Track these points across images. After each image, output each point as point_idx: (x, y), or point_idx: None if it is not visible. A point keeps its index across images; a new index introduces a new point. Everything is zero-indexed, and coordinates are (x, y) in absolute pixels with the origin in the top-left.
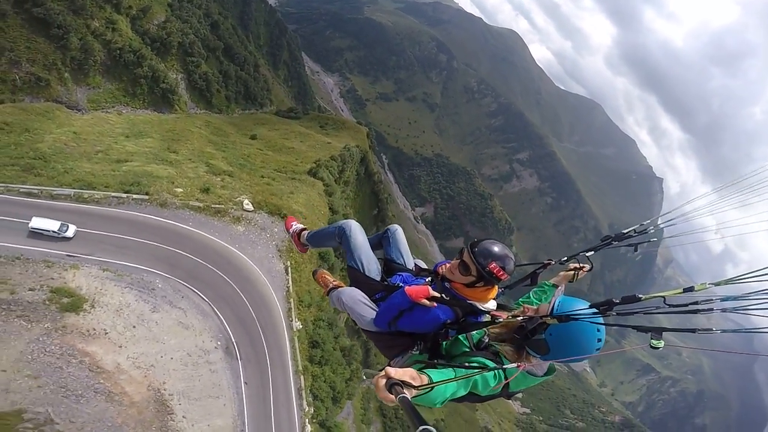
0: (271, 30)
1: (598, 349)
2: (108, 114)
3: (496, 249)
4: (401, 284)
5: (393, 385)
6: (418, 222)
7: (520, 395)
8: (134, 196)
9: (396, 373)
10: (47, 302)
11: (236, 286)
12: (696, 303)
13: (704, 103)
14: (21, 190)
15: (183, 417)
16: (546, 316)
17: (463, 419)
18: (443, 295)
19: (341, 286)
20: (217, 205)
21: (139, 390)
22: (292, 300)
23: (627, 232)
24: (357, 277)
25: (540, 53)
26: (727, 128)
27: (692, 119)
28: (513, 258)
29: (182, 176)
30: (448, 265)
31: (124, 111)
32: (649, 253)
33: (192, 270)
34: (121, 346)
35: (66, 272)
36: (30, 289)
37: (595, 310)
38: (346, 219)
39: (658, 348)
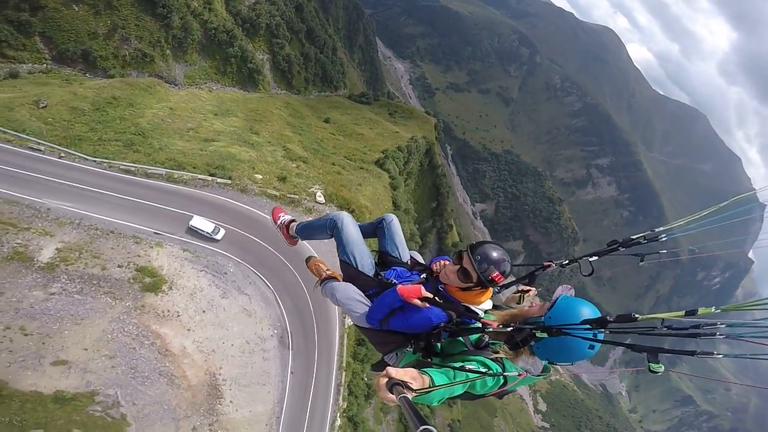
0: (349, 14)
1: (591, 349)
2: (200, 90)
3: (495, 255)
4: (395, 280)
5: (394, 385)
6: (476, 218)
7: (511, 395)
8: (218, 179)
9: (397, 373)
10: (132, 281)
11: (299, 277)
12: (697, 327)
13: None
14: (121, 166)
15: (230, 402)
16: (536, 328)
17: (480, 424)
18: (436, 296)
19: (335, 277)
20: (292, 195)
21: (198, 374)
22: None
23: (636, 238)
24: (350, 272)
25: (639, 54)
26: None
27: None
28: (509, 261)
29: (262, 160)
30: (444, 262)
31: (214, 88)
32: (731, 284)
33: (262, 257)
34: (189, 330)
35: (152, 250)
36: (118, 266)
37: (587, 326)
38: (339, 211)
39: (658, 372)
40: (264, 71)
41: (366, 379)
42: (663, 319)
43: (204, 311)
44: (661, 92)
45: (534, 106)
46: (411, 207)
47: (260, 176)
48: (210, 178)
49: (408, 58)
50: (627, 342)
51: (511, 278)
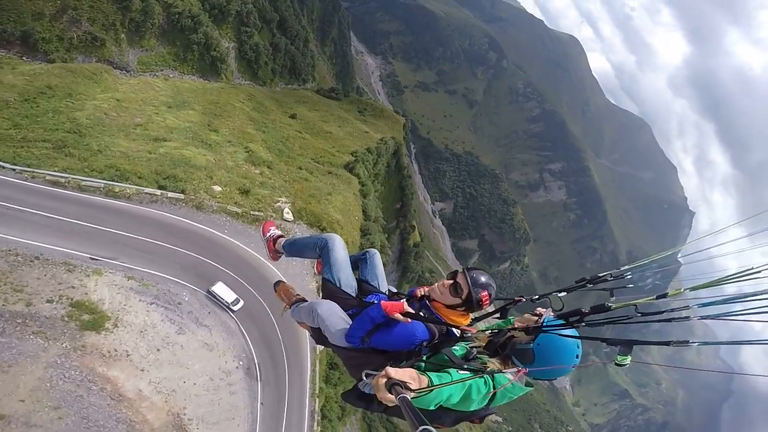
0: (325, 5)
1: (577, 358)
2: (155, 78)
3: (483, 279)
4: (377, 302)
5: (393, 385)
6: (435, 216)
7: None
8: (169, 194)
9: (396, 373)
10: (66, 318)
11: (265, 304)
12: (671, 310)
13: (765, 140)
14: (47, 177)
15: None
16: (514, 328)
17: None
18: (420, 312)
19: (305, 300)
20: (257, 212)
21: (159, 416)
22: None
23: (602, 276)
24: (333, 291)
25: (598, 64)
26: None
27: (746, 155)
28: (494, 287)
29: (221, 166)
30: (434, 285)
31: (171, 76)
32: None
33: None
34: (143, 370)
35: (88, 279)
36: (48, 301)
37: (562, 321)
38: (331, 232)
39: (624, 365)
40: (228, 60)
41: (364, 378)
42: (636, 305)
43: (158, 349)
44: (613, 101)
45: (496, 110)
46: (380, 215)
47: (219, 188)
48: (159, 192)
49: (380, 54)
50: (602, 336)
51: (490, 308)
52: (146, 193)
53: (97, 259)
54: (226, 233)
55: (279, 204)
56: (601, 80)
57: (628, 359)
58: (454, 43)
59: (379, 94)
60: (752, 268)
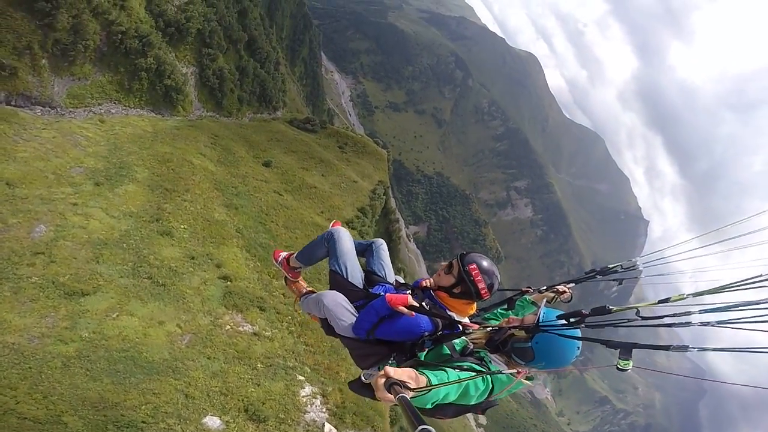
0: (296, 23)
1: (578, 349)
2: (85, 122)
3: (474, 254)
4: (382, 293)
5: (392, 384)
6: (410, 240)
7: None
8: None
9: (395, 372)
10: None
11: None
12: (672, 315)
13: (708, 150)
14: None
15: None
16: (515, 327)
17: None
18: (423, 304)
19: (314, 292)
20: None
21: None
22: None
23: (613, 267)
24: (339, 282)
25: (554, 80)
26: (723, 177)
27: (692, 165)
28: (498, 277)
29: (194, 341)
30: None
31: (113, 111)
32: (626, 291)
33: None
34: None
35: None
36: None
37: (564, 321)
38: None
39: (626, 370)
40: (187, 88)
41: (363, 378)
42: (638, 308)
43: None
44: (568, 116)
45: (463, 129)
46: None
47: (218, 422)
48: None
49: (351, 73)
50: (602, 339)
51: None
52: None
53: None
54: None
55: (309, 413)
56: (557, 96)
57: (630, 364)
58: (422, 62)
59: (350, 115)
60: (760, 276)
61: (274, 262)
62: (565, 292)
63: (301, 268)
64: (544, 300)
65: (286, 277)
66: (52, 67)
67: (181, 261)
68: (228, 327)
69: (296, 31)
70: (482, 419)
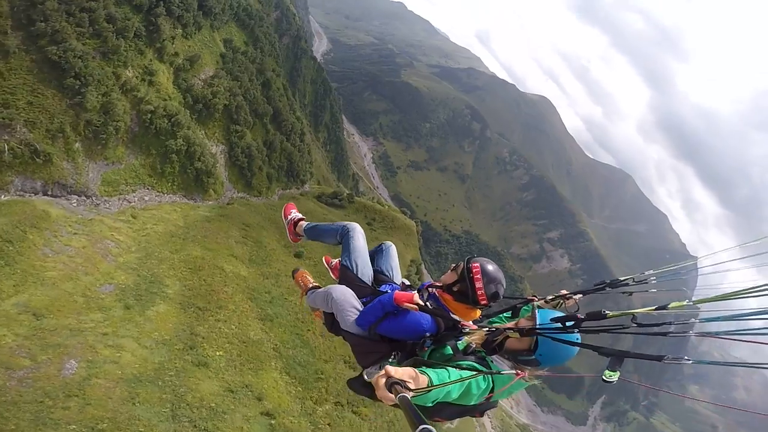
0: (316, 88)
1: (574, 349)
2: (116, 223)
3: (478, 256)
4: (390, 291)
5: (393, 384)
6: None
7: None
8: None
9: (396, 372)
10: None
11: None
12: (670, 323)
13: (744, 175)
14: None
15: None
16: (510, 328)
17: None
18: (428, 304)
19: (320, 287)
20: None
21: None
22: None
23: (624, 280)
24: (349, 277)
25: (570, 120)
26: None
27: (731, 192)
28: (503, 285)
29: None
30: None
31: (146, 198)
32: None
33: None
34: None
35: None
36: None
37: (559, 324)
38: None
39: (611, 382)
40: (216, 170)
41: (365, 378)
42: (634, 315)
43: None
44: (591, 156)
45: (487, 182)
46: None
47: None
48: None
49: (371, 135)
50: (593, 345)
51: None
52: None
53: None
54: None
55: None
56: (576, 135)
57: (616, 375)
58: (439, 117)
59: (373, 177)
60: (766, 285)
61: (283, 217)
62: (571, 297)
63: (303, 238)
64: (536, 303)
65: (293, 271)
66: (86, 151)
67: (220, 396)
68: None
69: (317, 96)
70: None
